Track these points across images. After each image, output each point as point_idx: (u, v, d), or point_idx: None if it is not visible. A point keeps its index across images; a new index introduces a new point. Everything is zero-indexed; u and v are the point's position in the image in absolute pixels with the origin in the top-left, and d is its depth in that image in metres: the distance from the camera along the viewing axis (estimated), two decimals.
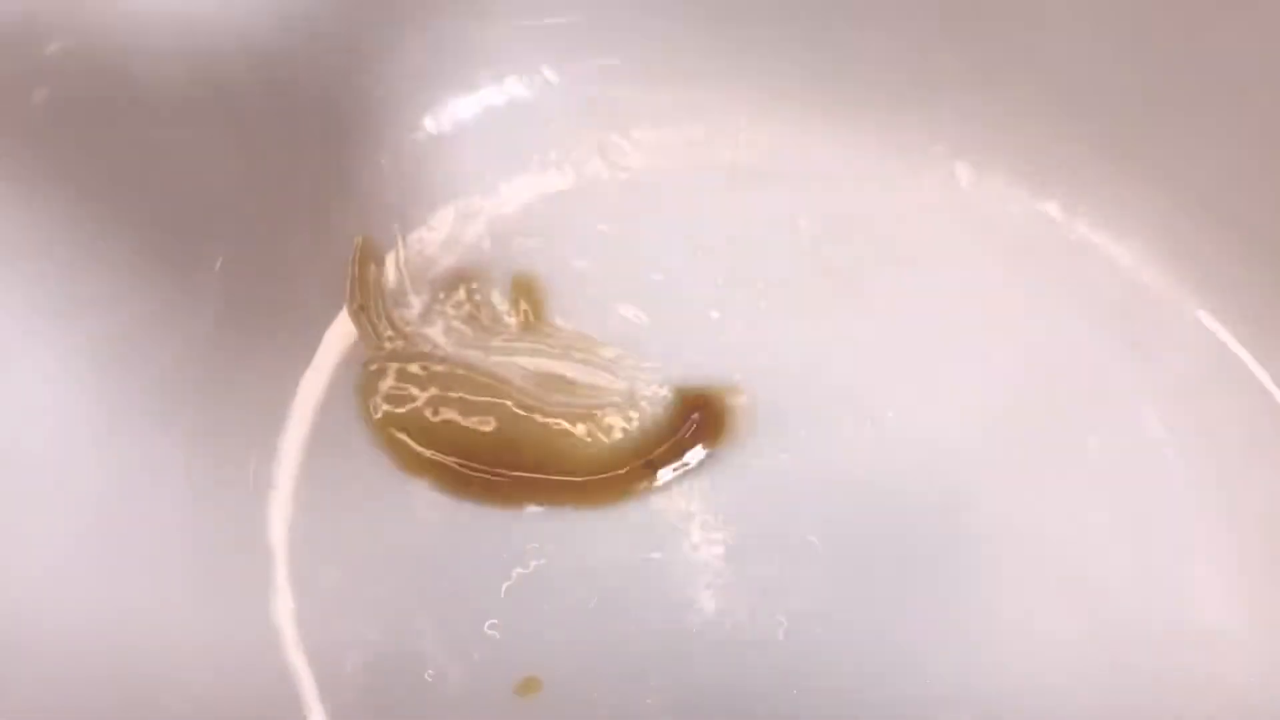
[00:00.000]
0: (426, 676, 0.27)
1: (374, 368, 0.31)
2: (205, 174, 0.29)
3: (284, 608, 0.27)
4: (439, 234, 0.33)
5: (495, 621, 0.28)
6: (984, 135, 0.35)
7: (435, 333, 0.32)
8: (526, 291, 0.33)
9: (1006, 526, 0.30)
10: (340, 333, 0.31)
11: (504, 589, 0.28)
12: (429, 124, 0.34)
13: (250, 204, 0.30)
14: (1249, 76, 0.31)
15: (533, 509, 0.29)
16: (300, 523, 0.29)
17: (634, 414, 0.31)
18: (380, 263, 0.32)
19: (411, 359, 0.31)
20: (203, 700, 0.24)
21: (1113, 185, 0.34)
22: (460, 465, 0.30)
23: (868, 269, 0.34)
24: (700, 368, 0.32)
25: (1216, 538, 0.30)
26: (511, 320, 0.32)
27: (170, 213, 0.28)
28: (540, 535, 0.29)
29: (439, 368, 0.31)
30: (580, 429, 0.30)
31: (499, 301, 0.32)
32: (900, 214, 0.35)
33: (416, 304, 0.32)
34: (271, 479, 0.29)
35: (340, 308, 0.32)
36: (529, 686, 0.27)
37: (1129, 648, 0.28)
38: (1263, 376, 0.31)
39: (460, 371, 0.31)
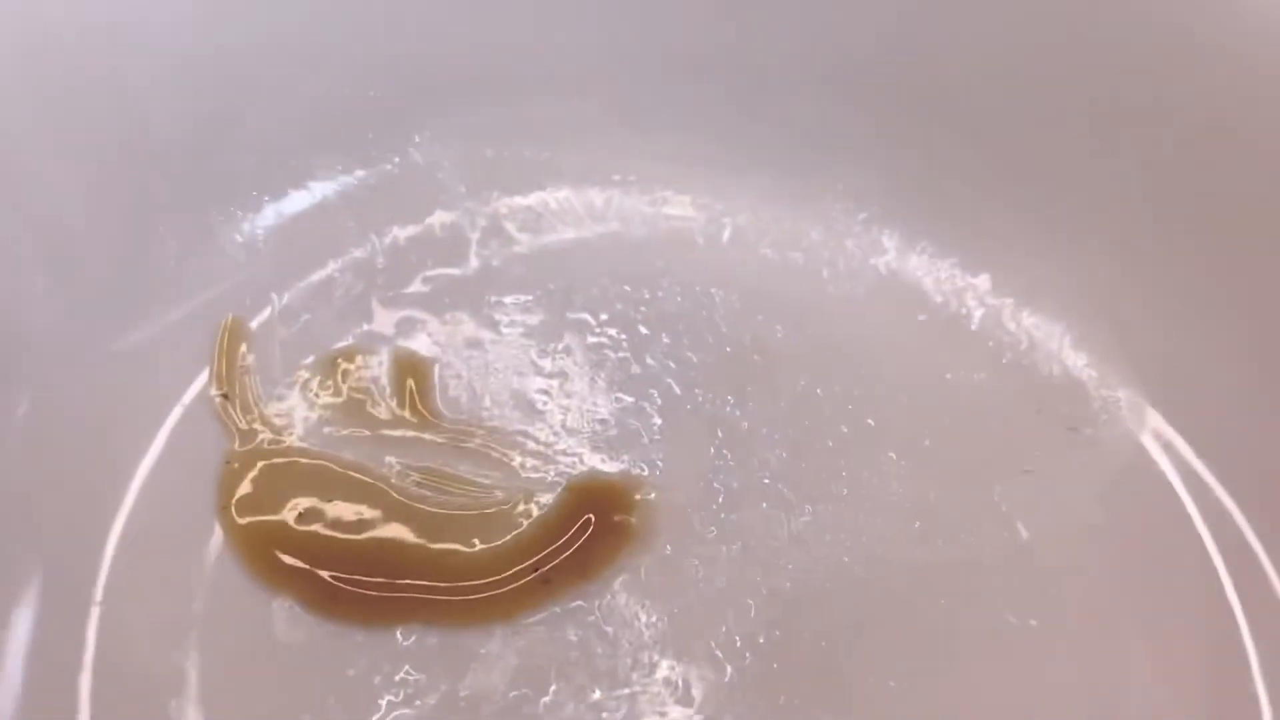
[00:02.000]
0: None
1: (235, 465, 0.28)
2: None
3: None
4: (316, 308, 0.30)
5: None
6: (911, 203, 0.33)
7: (307, 422, 0.29)
8: (412, 373, 0.30)
9: (925, 632, 0.27)
10: (193, 422, 0.28)
11: None
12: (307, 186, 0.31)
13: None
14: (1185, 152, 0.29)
15: (408, 628, 0.26)
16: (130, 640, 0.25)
17: (524, 513, 0.28)
18: (249, 343, 0.29)
19: (278, 455, 0.28)
20: None
21: (1044, 259, 0.32)
22: (330, 577, 0.27)
23: (787, 347, 0.31)
24: (603, 460, 0.29)
25: (1153, 647, 0.27)
26: (394, 406, 0.29)
27: None
28: (416, 659, 0.26)
29: (308, 462, 0.28)
30: (463, 532, 0.27)
31: (382, 385, 0.30)
32: (823, 285, 0.32)
33: (288, 392, 0.29)
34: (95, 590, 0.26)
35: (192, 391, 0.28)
36: None
37: None
38: (1199, 466, 0.29)
39: (334, 468, 0.28)
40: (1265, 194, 0.29)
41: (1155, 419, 0.30)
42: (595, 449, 0.29)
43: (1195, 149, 0.30)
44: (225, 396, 0.28)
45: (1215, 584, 0.28)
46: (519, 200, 0.32)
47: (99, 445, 0.27)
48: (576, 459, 0.29)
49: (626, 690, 0.25)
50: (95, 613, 0.26)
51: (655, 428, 0.29)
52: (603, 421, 0.29)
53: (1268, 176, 0.29)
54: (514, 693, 0.25)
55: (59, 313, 0.27)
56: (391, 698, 0.25)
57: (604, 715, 0.25)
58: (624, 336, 0.31)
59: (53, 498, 0.26)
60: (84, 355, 0.27)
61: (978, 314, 0.32)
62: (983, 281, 0.32)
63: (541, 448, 0.29)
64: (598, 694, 0.25)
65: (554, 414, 0.29)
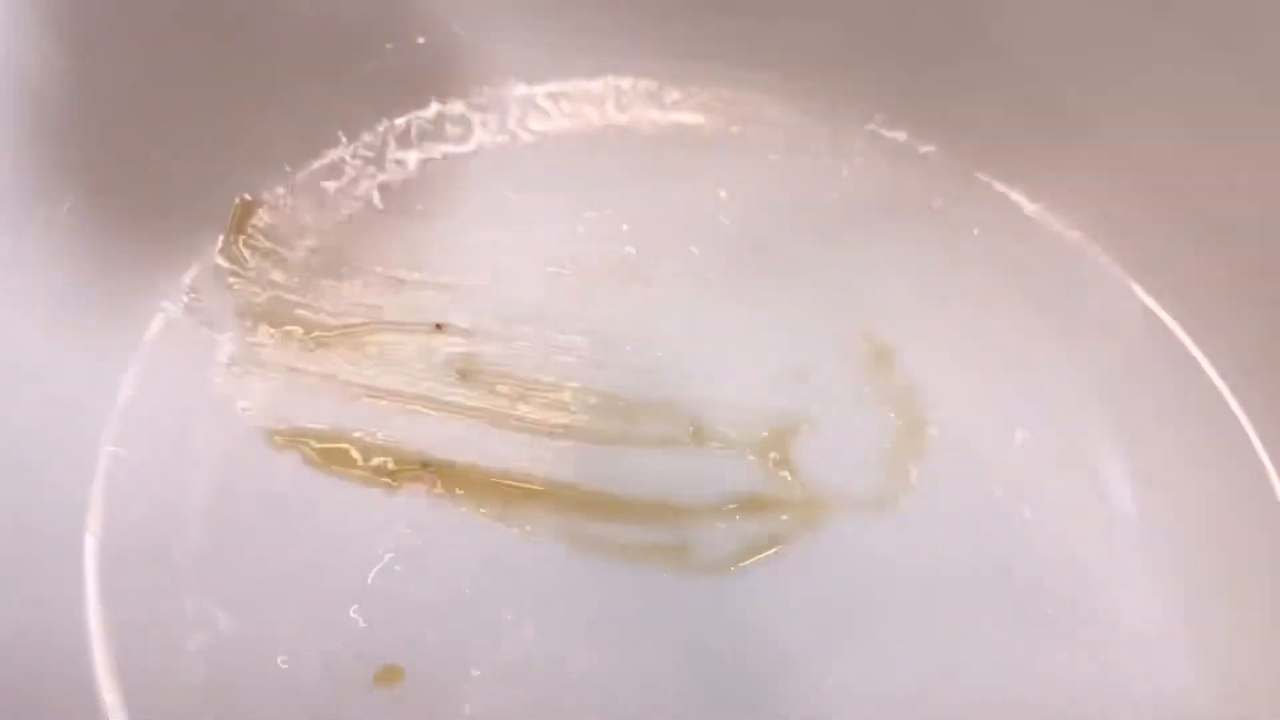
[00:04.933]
0: (279, 663, 0.24)
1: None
2: None
3: (106, 581, 0.25)
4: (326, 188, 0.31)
5: (358, 606, 0.25)
6: (918, 109, 0.33)
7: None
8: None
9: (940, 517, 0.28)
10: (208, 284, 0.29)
11: (372, 573, 0.26)
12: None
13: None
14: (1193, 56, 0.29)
15: (411, 488, 0.27)
16: (136, 482, 0.26)
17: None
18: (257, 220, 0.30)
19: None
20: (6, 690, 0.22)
21: (1048, 164, 0.32)
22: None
23: (791, 247, 0.31)
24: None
25: (1154, 535, 0.28)
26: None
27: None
28: (416, 516, 0.26)
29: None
30: None
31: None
32: (828, 189, 0.33)
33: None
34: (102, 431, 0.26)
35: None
36: (389, 675, 0.24)
37: (1061, 651, 0.26)
38: (1204, 363, 0.30)
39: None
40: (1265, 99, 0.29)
41: (1151, 320, 0.30)
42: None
43: (1201, 55, 0.30)
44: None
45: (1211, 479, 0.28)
46: (527, 94, 0.33)
47: (116, 291, 0.28)
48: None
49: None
50: (102, 458, 0.26)
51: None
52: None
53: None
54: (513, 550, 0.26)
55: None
56: (391, 553, 0.26)
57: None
58: (628, 228, 0.31)
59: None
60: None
61: (982, 218, 0.32)
62: (988, 186, 0.33)
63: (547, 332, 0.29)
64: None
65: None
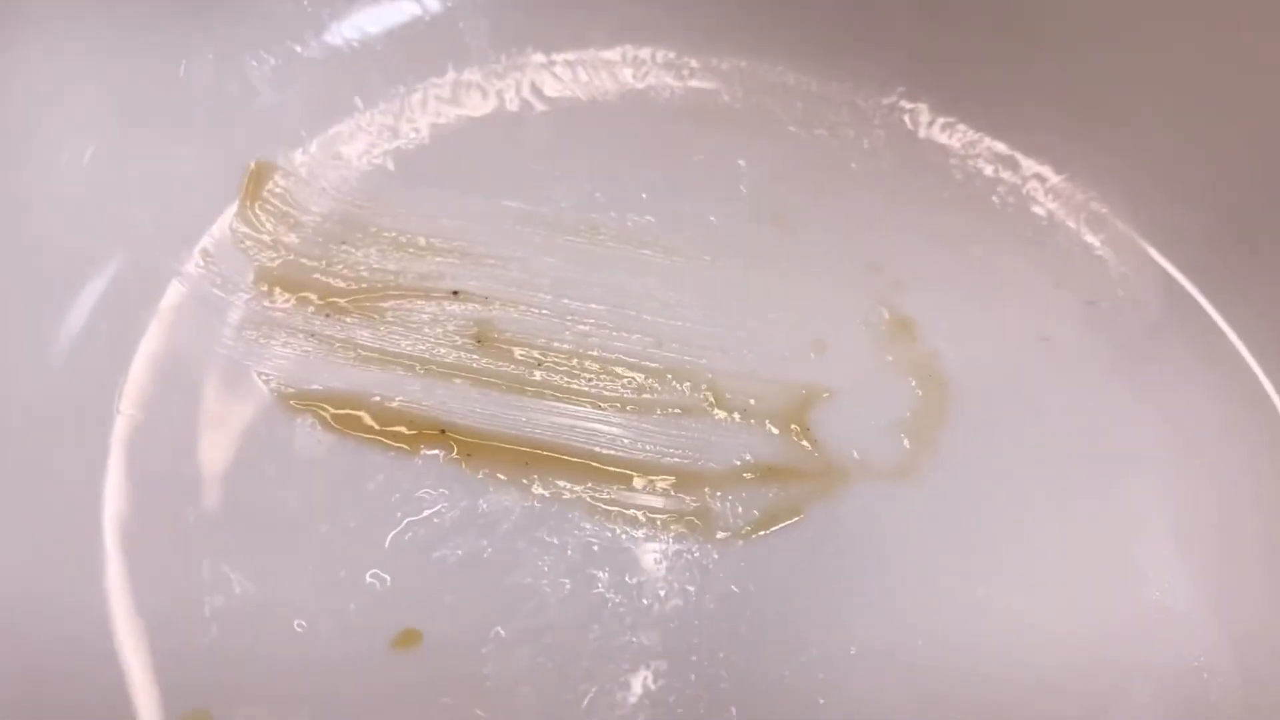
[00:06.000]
0: (295, 626, 0.24)
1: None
2: None
3: (123, 545, 0.24)
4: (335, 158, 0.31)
5: (377, 570, 0.25)
6: (938, 82, 0.33)
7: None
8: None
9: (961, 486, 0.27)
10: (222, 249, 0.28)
11: (389, 537, 0.25)
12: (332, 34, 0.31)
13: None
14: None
15: (428, 452, 0.26)
16: (153, 445, 0.26)
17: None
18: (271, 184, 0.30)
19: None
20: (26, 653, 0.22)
21: (1068, 139, 0.32)
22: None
23: (809, 218, 0.31)
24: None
25: (1179, 505, 0.28)
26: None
27: None
28: (433, 481, 0.26)
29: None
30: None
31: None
32: (847, 161, 0.32)
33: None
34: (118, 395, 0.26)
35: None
36: (407, 639, 0.24)
37: (1083, 619, 0.26)
38: (1228, 331, 0.29)
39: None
40: None
41: (1174, 290, 0.30)
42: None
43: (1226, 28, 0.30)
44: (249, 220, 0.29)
45: (1237, 450, 0.28)
46: (547, 64, 0.32)
47: (132, 255, 0.27)
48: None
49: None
50: (119, 421, 0.26)
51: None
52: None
53: None
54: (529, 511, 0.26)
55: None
56: (411, 517, 0.26)
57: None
58: (646, 196, 0.31)
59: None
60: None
61: (1000, 191, 0.32)
62: (1006, 160, 0.32)
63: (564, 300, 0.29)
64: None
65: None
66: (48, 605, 0.23)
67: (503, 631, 0.24)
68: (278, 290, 0.28)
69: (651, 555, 0.26)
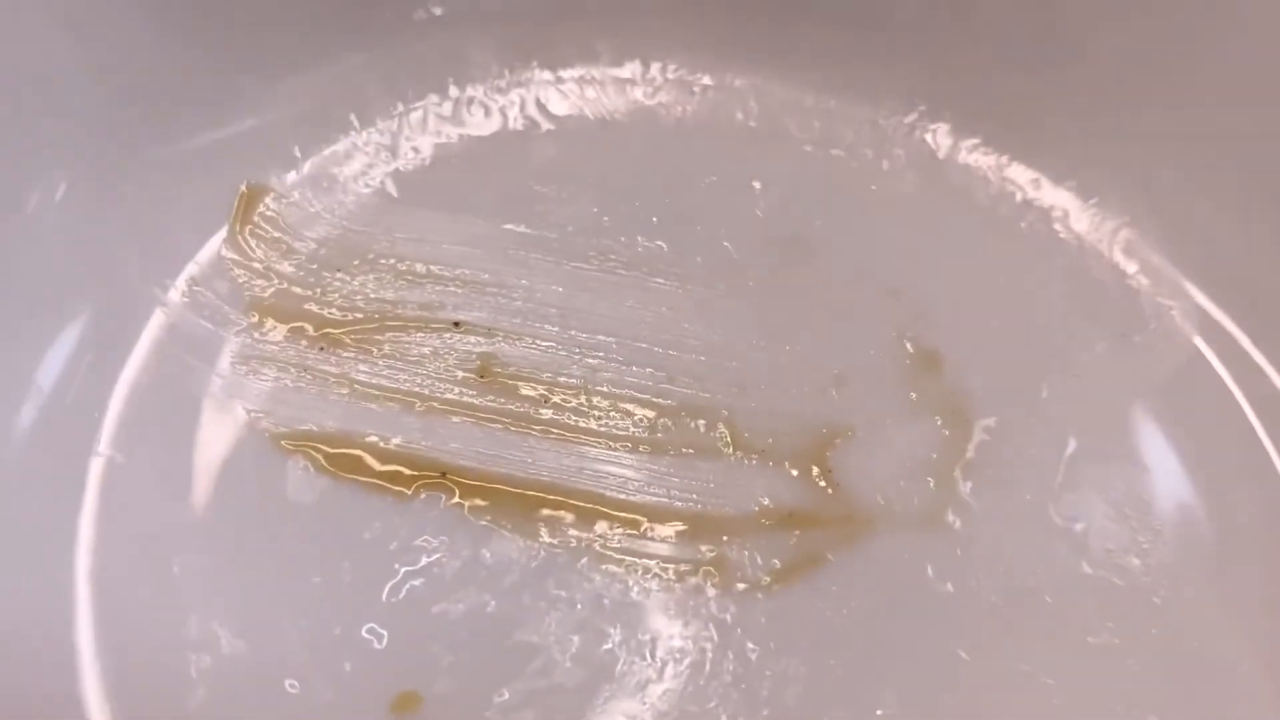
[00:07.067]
0: (287, 687, 0.23)
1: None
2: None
3: (99, 599, 0.23)
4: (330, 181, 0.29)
5: (373, 626, 0.23)
6: (961, 101, 0.31)
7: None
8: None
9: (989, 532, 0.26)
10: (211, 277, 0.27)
11: (387, 589, 0.24)
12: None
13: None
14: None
15: (425, 495, 0.25)
16: (134, 490, 0.24)
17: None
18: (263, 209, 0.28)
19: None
20: None
21: (1097, 162, 0.30)
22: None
23: (827, 244, 0.30)
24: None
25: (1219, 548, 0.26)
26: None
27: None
28: (434, 528, 0.25)
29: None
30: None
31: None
32: (866, 182, 0.31)
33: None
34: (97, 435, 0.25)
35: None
36: (406, 703, 0.22)
37: (1119, 674, 0.25)
38: (1265, 365, 0.28)
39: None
40: None
41: (1209, 324, 0.29)
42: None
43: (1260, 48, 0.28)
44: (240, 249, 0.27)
45: (1274, 484, 0.26)
46: (554, 80, 0.31)
47: (113, 283, 0.26)
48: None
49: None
50: (96, 464, 0.24)
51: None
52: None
53: None
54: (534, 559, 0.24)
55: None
56: (408, 567, 0.24)
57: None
58: (657, 220, 0.29)
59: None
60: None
61: (1028, 217, 0.31)
62: (1034, 184, 0.31)
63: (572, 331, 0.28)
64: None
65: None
66: (15, 664, 0.22)
67: (507, 694, 0.23)
68: (270, 321, 0.27)
69: (666, 609, 0.24)
